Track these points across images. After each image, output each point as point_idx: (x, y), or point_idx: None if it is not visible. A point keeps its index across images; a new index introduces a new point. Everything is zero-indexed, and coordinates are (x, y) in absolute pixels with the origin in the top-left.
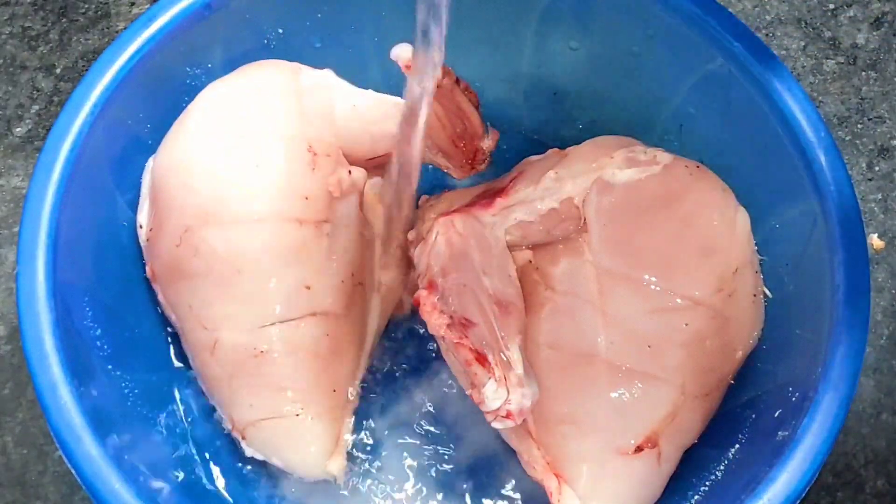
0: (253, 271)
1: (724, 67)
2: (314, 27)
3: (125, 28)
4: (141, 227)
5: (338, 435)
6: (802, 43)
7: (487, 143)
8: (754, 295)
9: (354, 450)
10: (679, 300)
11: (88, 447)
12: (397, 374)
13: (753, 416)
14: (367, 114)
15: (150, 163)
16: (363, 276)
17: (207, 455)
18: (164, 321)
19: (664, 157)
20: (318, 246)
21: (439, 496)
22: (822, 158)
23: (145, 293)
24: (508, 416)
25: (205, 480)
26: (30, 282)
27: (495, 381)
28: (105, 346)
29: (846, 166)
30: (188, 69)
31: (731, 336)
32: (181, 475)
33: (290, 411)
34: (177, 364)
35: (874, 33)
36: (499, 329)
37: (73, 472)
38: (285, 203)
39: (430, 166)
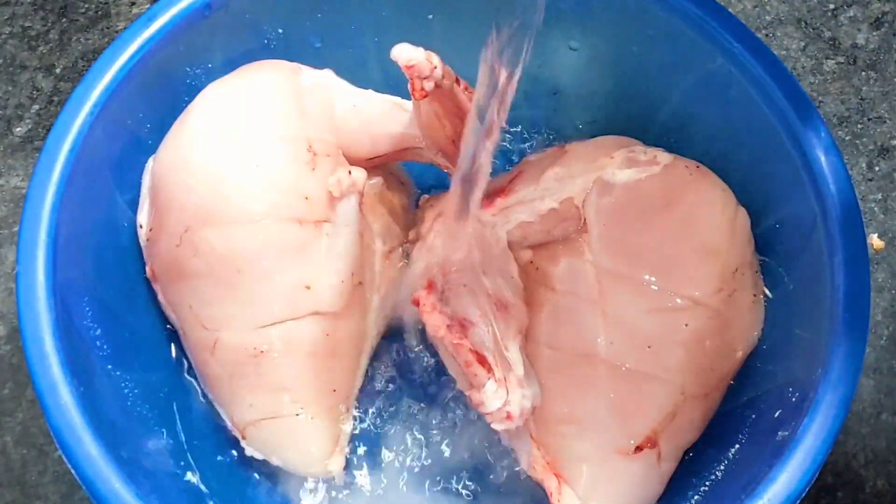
0: (253, 271)
1: (724, 67)
2: (314, 27)
3: (125, 28)
4: (141, 227)
5: (337, 434)
6: (802, 43)
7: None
8: (754, 295)
9: (354, 449)
10: (679, 300)
11: (88, 447)
12: (397, 374)
13: (753, 416)
14: (367, 114)
15: (150, 163)
16: (363, 276)
17: (207, 454)
18: (164, 321)
19: (664, 157)
20: (318, 246)
21: (439, 495)
22: (822, 158)
23: (145, 293)
24: (509, 417)
25: (205, 480)
26: (30, 282)
27: (495, 381)
28: (105, 346)
29: (846, 166)
30: (188, 69)
31: (731, 336)
32: (181, 475)
33: (289, 411)
34: (177, 364)
35: (874, 33)
36: (498, 329)
37: (73, 472)
38: (285, 203)
39: (431, 166)
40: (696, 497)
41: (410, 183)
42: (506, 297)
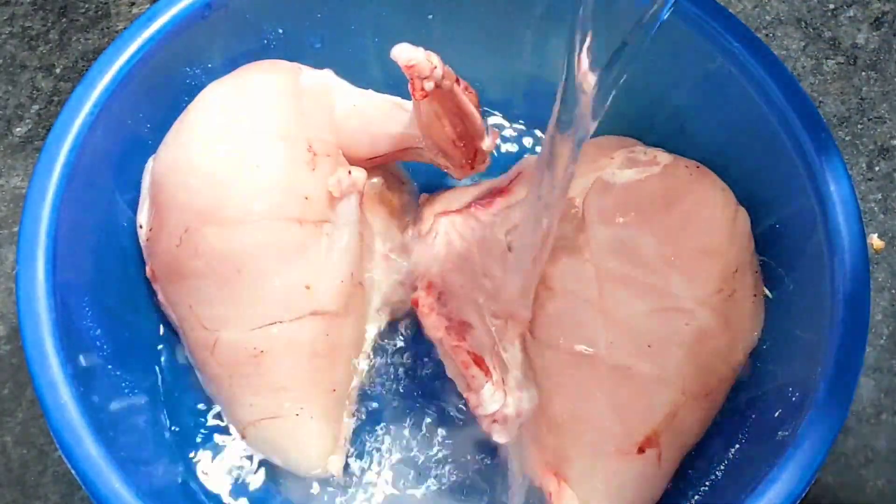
0: (253, 271)
1: (724, 67)
2: (314, 27)
3: (125, 28)
4: (141, 227)
5: (337, 433)
6: (802, 43)
7: (487, 143)
8: (754, 295)
9: (353, 448)
10: (679, 300)
11: (88, 447)
12: (396, 373)
13: (753, 416)
14: (367, 114)
15: (150, 163)
16: (363, 276)
17: (207, 454)
18: (164, 321)
19: (664, 157)
20: (318, 246)
21: (439, 494)
22: (822, 158)
23: (145, 293)
24: (506, 419)
25: (205, 479)
26: (30, 282)
27: (492, 384)
28: (105, 346)
29: (846, 166)
30: (188, 69)
31: (732, 336)
32: (181, 474)
33: (289, 410)
34: (177, 364)
35: (874, 33)
36: (497, 331)
37: (73, 472)
38: (285, 203)
39: (431, 166)
40: (696, 497)
41: (410, 183)
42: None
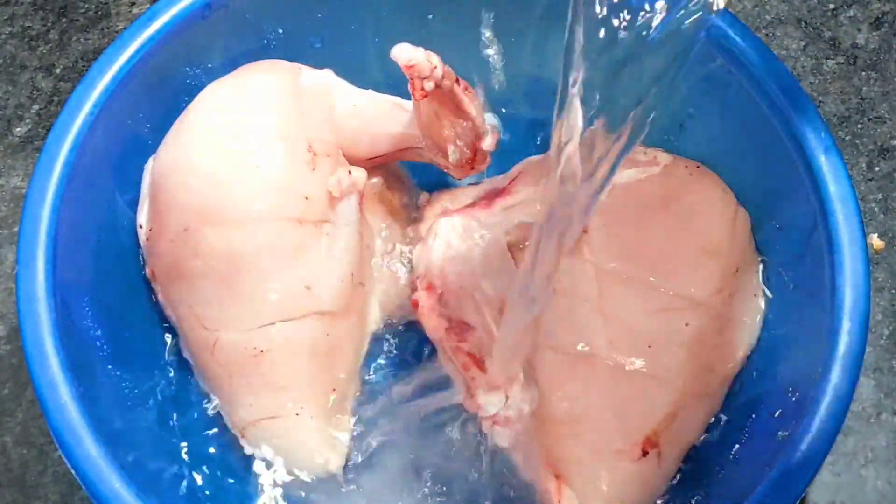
0: (253, 271)
1: (724, 67)
2: (314, 27)
3: (125, 28)
4: (141, 227)
5: (337, 433)
6: (802, 43)
7: (487, 143)
8: (754, 295)
9: (354, 447)
10: (679, 300)
11: (88, 447)
12: (396, 373)
13: (753, 416)
14: (367, 114)
15: (150, 163)
16: (363, 276)
17: (207, 454)
18: (164, 321)
19: (664, 157)
20: (318, 246)
21: (438, 494)
22: (822, 158)
23: (145, 293)
24: (506, 421)
25: (205, 479)
26: (30, 282)
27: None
28: (105, 346)
29: (846, 166)
30: (188, 69)
31: (732, 336)
32: (181, 474)
33: (289, 410)
34: (177, 364)
35: (874, 33)
36: (497, 332)
37: (73, 472)
38: (285, 203)
39: (431, 166)
40: (696, 497)
41: (410, 182)
42: (505, 299)
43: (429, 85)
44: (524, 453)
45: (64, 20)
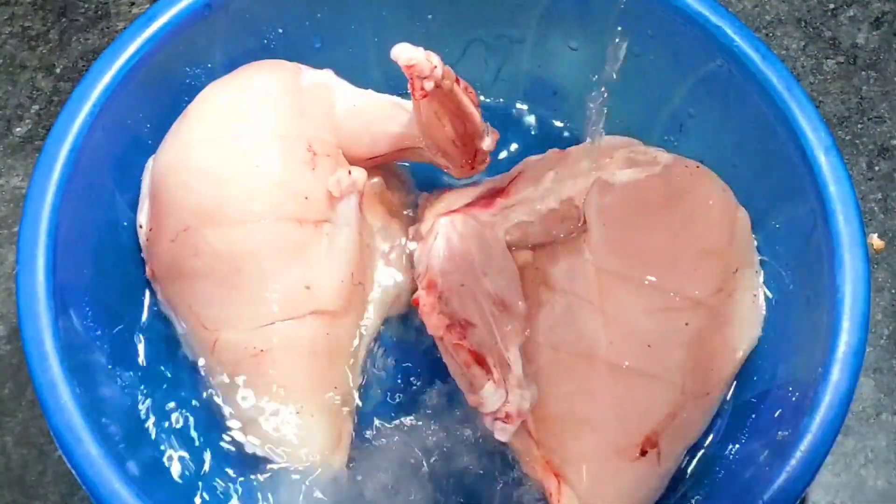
0: (253, 271)
1: (724, 67)
2: (314, 27)
3: (125, 28)
4: (141, 226)
5: (338, 431)
6: (802, 43)
7: (487, 143)
8: (754, 295)
9: (355, 445)
10: (679, 300)
11: (88, 447)
12: (397, 371)
13: (753, 416)
14: (367, 114)
15: (150, 163)
16: (363, 276)
17: (208, 454)
18: (165, 321)
19: (664, 157)
20: (318, 246)
21: (440, 492)
22: (822, 158)
23: (145, 293)
24: (507, 417)
25: (205, 479)
26: (30, 282)
27: (494, 382)
28: (105, 346)
29: (846, 166)
30: (188, 69)
31: (732, 336)
32: (182, 474)
33: (290, 409)
34: (177, 363)
35: (874, 33)
36: (498, 330)
37: (73, 472)
38: (285, 203)
39: (431, 166)
40: (696, 497)
41: (410, 182)
42: (505, 298)
43: (429, 85)
44: (524, 452)
45: (64, 20)
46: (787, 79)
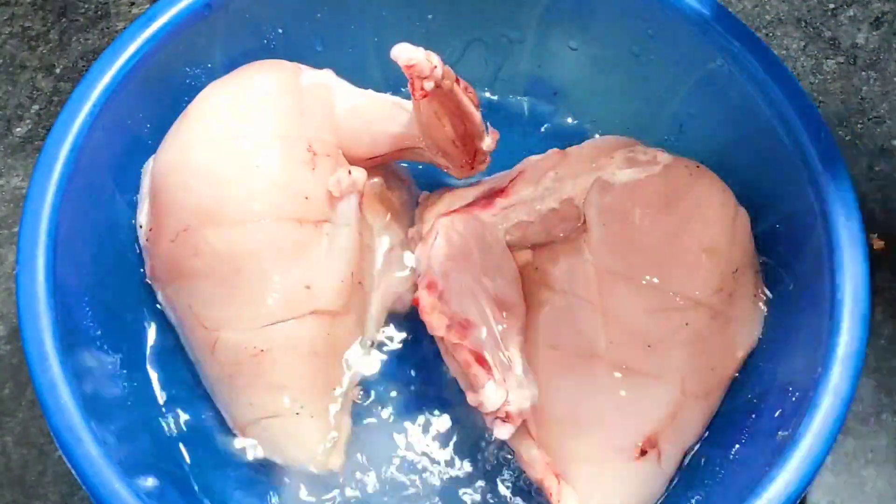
0: (252, 271)
1: (724, 67)
2: (314, 27)
3: (125, 28)
4: (141, 227)
5: (337, 432)
6: (802, 43)
7: (487, 143)
8: (754, 295)
9: (354, 446)
10: (679, 300)
11: (88, 447)
12: (397, 371)
13: (753, 416)
14: (367, 114)
15: (150, 163)
16: (363, 276)
17: (208, 453)
18: (165, 321)
19: (664, 157)
20: (317, 246)
21: (439, 492)
22: (822, 158)
23: (145, 293)
24: (508, 417)
25: (205, 479)
26: (30, 282)
27: (494, 382)
28: (105, 346)
29: (846, 166)
30: (188, 69)
31: (731, 336)
32: (182, 474)
33: (289, 409)
34: (177, 364)
35: (874, 33)
36: (498, 330)
37: (73, 472)
38: (285, 203)
39: (431, 166)
40: (696, 497)
41: (411, 182)
42: (505, 298)
43: (429, 85)
44: (524, 452)
45: (64, 20)
46: (787, 79)
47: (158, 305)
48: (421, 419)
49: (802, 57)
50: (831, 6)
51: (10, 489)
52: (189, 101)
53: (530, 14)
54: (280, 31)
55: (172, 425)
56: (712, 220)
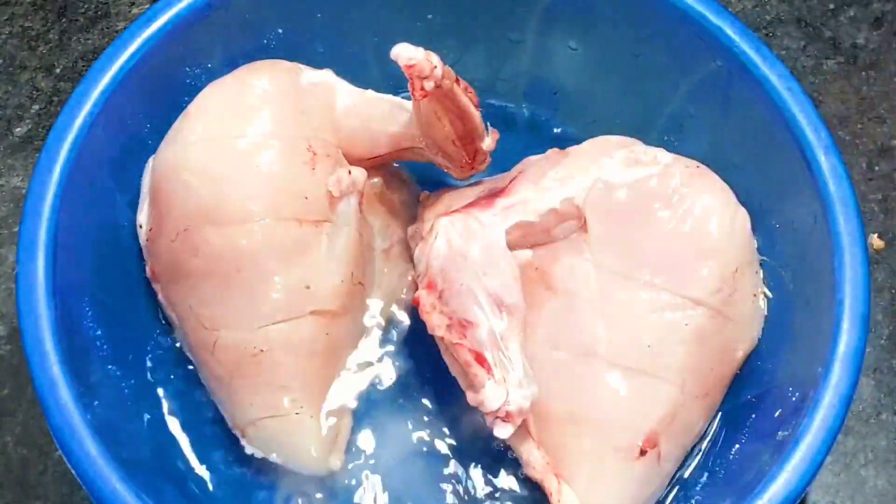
0: (252, 271)
1: (724, 67)
2: (314, 27)
3: (125, 28)
4: (141, 227)
5: (337, 431)
6: (802, 43)
7: (487, 143)
8: (754, 295)
9: (354, 445)
10: (679, 300)
11: (88, 447)
12: (397, 371)
13: (753, 416)
14: (367, 113)
15: (150, 163)
16: (363, 276)
17: (207, 453)
18: (165, 321)
19: (664, 157)
20: (317, 246)
21: (439, 491)
22: (822, 158)
23: (145, 293)
24: (508, 416)
25: (205, 479)
26: (30, 282)
27: (494, 381)
28: (105, 346)
29: (846, 166)
30: (188, 69)
31: (731, 336)
32: (182, 474)
33: (289, 409)
34: (177, 363)
35: (874, 33)
36: (498, 329)
37: (73, 471)
38: (285, 203)
39: (431, 166)
40: (696, 497)
41: (411, 182)
42: (505, 298)
43: (429, 85)
44: (524, 451)
45: (64, 20)
46: (787, 79)
47: (159, 306)
48: (421, 418)
49: (802, 57)
50: (831, 6)
51: (10, 489)
52: (189, 101)
53: (530, 14)
54: (280, 31)
55: (172, 425)
56: (712, 219)
